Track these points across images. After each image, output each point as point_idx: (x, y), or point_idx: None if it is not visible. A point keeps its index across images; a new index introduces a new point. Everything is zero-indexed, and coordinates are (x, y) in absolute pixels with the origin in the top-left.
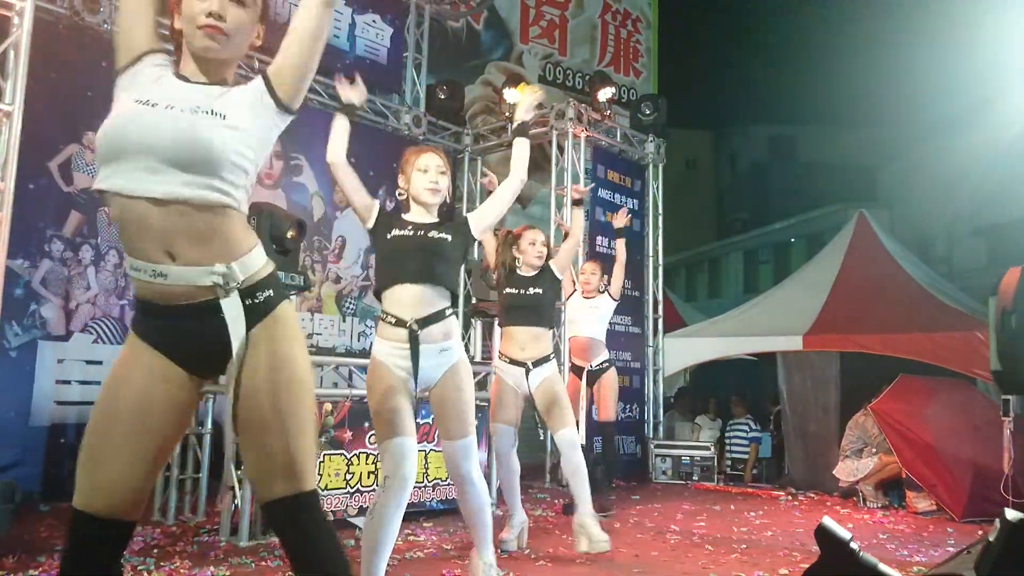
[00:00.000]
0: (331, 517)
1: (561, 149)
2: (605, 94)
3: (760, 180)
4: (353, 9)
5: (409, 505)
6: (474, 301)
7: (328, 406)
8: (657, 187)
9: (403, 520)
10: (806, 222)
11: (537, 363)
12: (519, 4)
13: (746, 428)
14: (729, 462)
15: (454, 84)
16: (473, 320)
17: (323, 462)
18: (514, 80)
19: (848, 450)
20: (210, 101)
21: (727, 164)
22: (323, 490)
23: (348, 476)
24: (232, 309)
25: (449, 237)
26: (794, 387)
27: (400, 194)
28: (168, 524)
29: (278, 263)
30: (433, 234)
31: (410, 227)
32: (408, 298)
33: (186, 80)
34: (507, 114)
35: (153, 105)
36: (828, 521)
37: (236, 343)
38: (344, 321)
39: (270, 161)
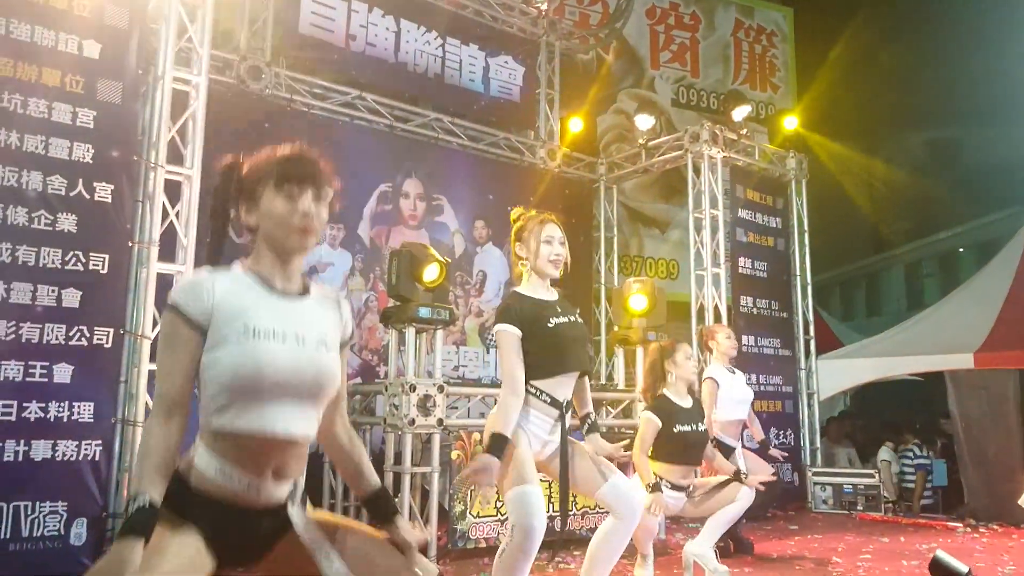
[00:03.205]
0: (483, 544)
1: (697, 171)
2: (741, 112)
3: (920, 188)
4: (486, 53)
5: (557, 533)
6: (616, 329)
7: (476, 436)
8: (801, 203)
9: (552, 549)
10: (976, 230)
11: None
12: (648, 31)
13: (911, 454)
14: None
15: (586, 115)
16: (616, 348)
17: (475, 490)
18: (646, 106)
19: None
20: (321, 327)
21: (882, 173)
22: (475, 518)
23: (498, 504)
24: (297, 516)
25: (581, 320)
26: (968, 409)
27: (522, 264)
28: None
29: (425, 300)
30: (579, 320)
31: (559, 311)
32: (566, 384)
33: (277, 291)
34: (640, 141)
35: (282, 339)
36: (942, 554)
37: (304, 533)
38: (488, 353)
39: (414, 203)
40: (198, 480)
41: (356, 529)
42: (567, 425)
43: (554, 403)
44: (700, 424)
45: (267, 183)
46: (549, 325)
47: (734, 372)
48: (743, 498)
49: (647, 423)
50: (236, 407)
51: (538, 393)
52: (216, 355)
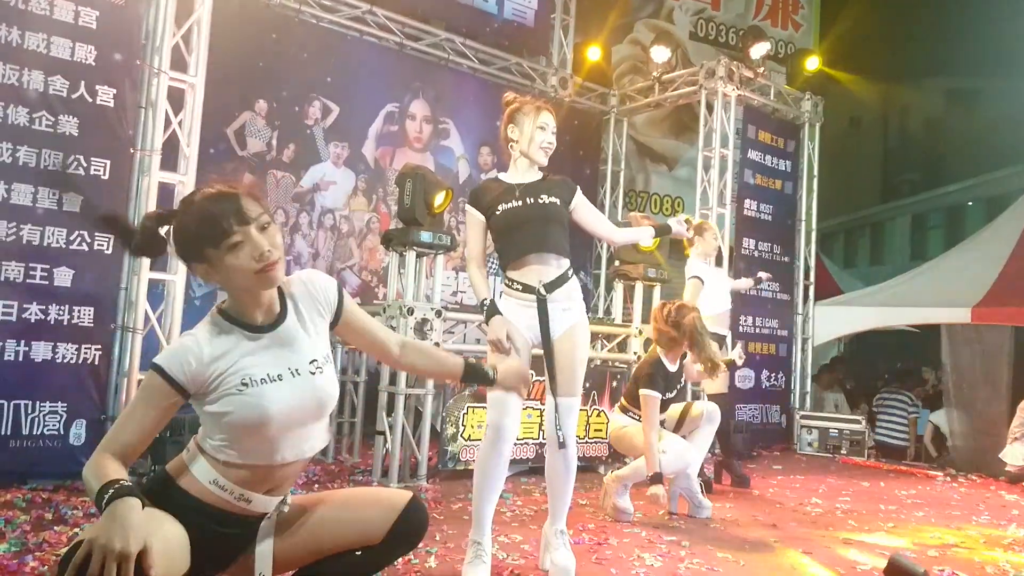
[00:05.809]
0: (472, 466)
1: (710, 109)
2: (759, 50)
3: (934, 138)
4: None
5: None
6: (616, 264)
7: (472, 360)
8: (813, 147)
9: (537, 475)
10: (986, 183)
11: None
12: None
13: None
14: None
15: (601, 44)
16: (615, 282)
17: (467, 414)
18: (663, 38)
19: (1017, 432)
20: (307, 350)
21: (896, 121)
22: (466, 440)
23: None
24: (267, 529)
25: (557, 201)
26: (960, 362)
27: (510, 147)
28: (328, 462)
29: (428, 224)
30: (543, 199)
31: (517, 195)
32: (536, 268)
33: (259, 327)
34: (654, 74)
35: (279, 380)
36: (898, 557)
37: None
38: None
39: (420, 125)
40: (188, 483)
41: (328, 500)
42: (547, 304)
43: (526, 288)
44: (677, 387)
45: (206, 244)
46: (497, 212)
47: (710, 265)
48: (711, 419)
49: (651, 403)
50: (244, 448)
51: (511, 283)
52: (218, 408)
